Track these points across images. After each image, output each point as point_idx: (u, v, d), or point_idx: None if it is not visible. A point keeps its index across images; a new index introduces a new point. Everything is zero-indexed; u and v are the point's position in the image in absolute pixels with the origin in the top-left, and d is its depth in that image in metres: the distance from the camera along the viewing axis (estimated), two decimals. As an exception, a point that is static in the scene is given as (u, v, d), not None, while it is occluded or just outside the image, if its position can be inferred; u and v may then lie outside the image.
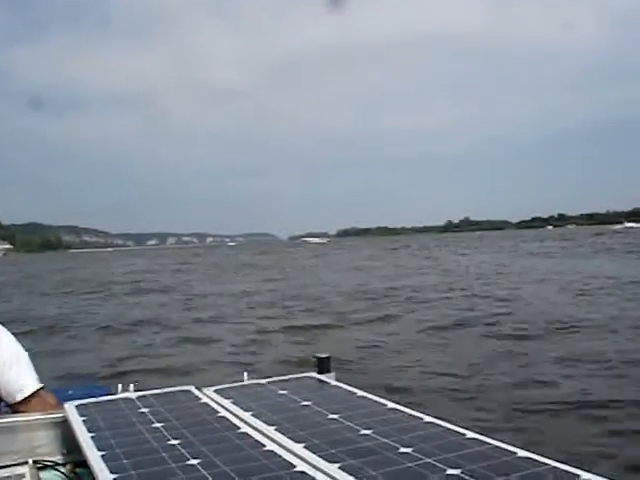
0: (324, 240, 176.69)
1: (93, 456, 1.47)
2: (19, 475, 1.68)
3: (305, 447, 1.45)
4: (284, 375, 2.15)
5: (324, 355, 2.19)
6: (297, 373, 2.17)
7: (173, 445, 1.52)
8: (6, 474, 1.70)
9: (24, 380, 2.34)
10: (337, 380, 2.09)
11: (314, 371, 2.17)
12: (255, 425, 1.63)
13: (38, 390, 2.36)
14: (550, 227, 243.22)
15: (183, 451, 1.47)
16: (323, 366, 2.16)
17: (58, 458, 1.85)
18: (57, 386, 3.17)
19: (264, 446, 1.48)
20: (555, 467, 1.27)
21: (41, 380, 2.41)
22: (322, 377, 2.12)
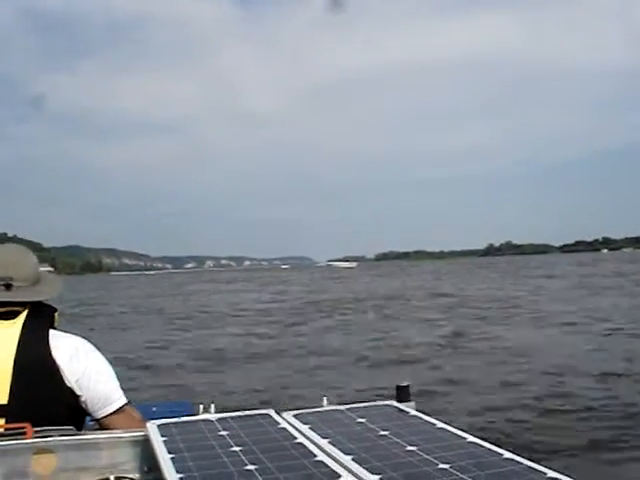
0: (352, 264, 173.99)
1: (172, 478, 1.49)
2: None
3: None
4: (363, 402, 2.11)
5: (404, 384, 2.14)
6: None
7: (250, 470, 1.52)
8: None
9: (111, 395, 2.37)
10: (417, 410, 2.03)
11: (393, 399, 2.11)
12: (332, 453, 1.62)
13: (124, 406, 2.38)
14: (605, 251, 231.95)
15: (259, 477, 1.47)
16: (403, 395, 2.11)
17: (138, 476, 1.88)
18: (141, 402, 3.16)
19: (340, 476, 1.47)
20: None
21: (126, 396, 2.43)
22: (401, 406, 2.07)
